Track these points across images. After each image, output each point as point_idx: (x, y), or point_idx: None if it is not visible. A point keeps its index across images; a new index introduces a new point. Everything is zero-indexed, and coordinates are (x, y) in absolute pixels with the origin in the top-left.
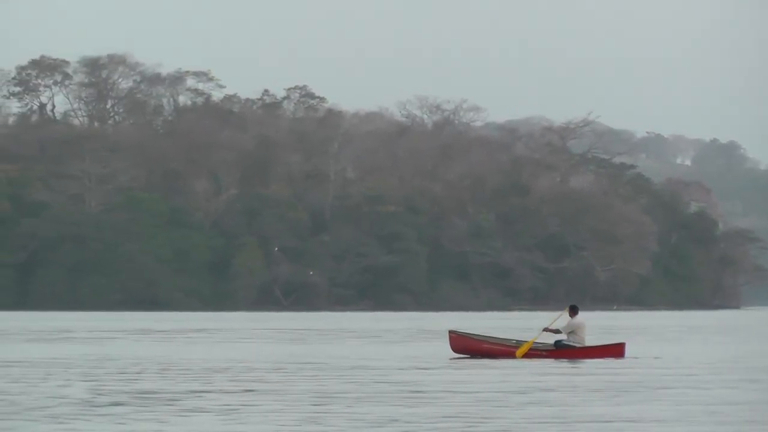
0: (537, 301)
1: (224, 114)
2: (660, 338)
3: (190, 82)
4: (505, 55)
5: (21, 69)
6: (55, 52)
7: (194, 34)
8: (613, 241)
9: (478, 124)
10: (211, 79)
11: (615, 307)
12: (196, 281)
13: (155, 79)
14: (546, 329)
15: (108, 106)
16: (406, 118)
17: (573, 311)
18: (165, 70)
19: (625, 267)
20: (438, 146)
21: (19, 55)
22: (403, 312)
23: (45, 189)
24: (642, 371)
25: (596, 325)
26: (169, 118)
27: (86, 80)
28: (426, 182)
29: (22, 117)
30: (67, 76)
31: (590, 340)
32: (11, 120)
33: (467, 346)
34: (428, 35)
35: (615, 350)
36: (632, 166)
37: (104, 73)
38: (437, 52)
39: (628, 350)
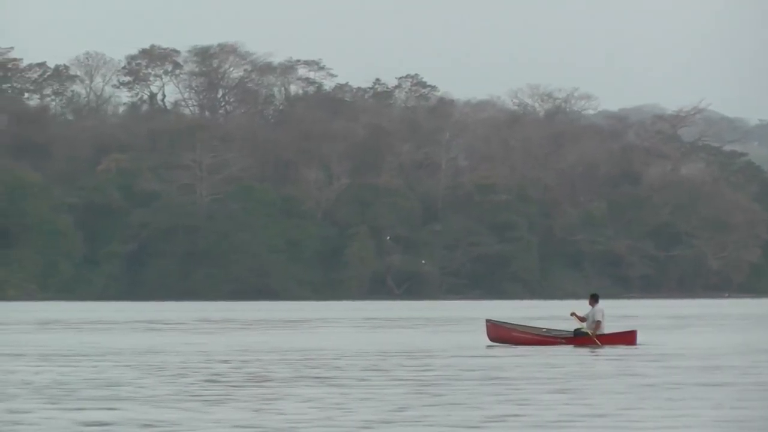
0: (648, 289)
1: (336, 103)
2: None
3: (302, 71)
4: (617, 42)
5: (131, 58)
6: (165, 42)
7: (305, 23)
8: (724, 229)
9: (590, 112)
10: (322, 68)
11: (726, 295)
12: (308, 271)
13: (266, 69)
14: (573, 314)
15: (219, 96)
16: (518, 106)
17: (594, 300)
18: (276, 59)
19: (736, 255)
20: (549, 135)
21: (128, 45)
22: (515, 300)
23: (156, 179)
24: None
25: (707, 314)
26: (281, 107)
27: (197, 70)
28: (537, 171)
29: (133, 107)
30: (177, 65)
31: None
32: (121, 110)
33: (502, 335)
34: (540, 23)
35: (627, 338)
36: (743, 154)
37: (215, 63)
38: (548, 40)
39: (639, 338)
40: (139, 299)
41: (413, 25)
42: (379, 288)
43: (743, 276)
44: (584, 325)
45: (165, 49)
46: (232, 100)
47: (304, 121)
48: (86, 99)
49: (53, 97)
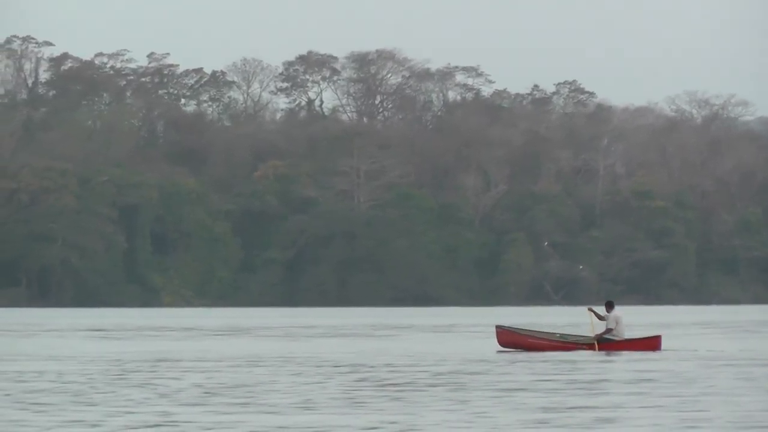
0: None
1: (494, 109)
2: None
3: (459, 77)
4: None
5: (288, 65)
6: (323, 48)
7: (463, 29)
8: None
9: (747, 118)
10: (480, 75)
11: None
12: (466, 277)
13: (424, 75)
14: (591, 309)
15: (377, 102)
16: (675, 112)
17: (609, 306)
18: (434, 65)
19: None
20: (706, 141)
21: (285, 51)
22: (673, 306)
23: (314, 185)
24: None
25: None
26: (439, 113)
27: (355, 76)
28: (694, 177)
29: (290, 113)
30: (335, 71)
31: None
32: (279, 116)
33: (513, 341)
34: (694, 30)
35: (651, 343)
36: None
37: (373, 69)
38: (704, 47)
39: (664, 343)
40: (295, 306)
41: (570, 30)
42: (537, 294)
43: None
44: (600, 329)
45: (323, 55)
46: (389, 106)
47: (462, 128)
48: (243, 105)
49: (210, 103)
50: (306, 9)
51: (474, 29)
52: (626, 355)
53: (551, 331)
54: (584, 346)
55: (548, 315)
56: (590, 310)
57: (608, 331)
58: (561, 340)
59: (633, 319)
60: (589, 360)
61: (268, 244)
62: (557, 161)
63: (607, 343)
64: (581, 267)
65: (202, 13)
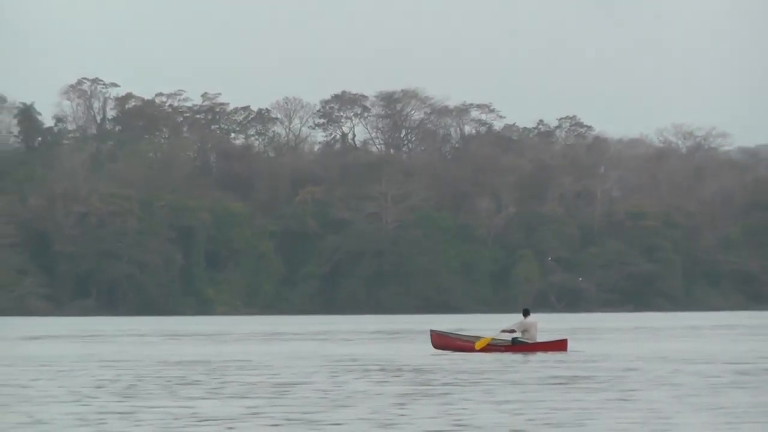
0: None
1: (504, 141)
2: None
3: (474, 113)
4: (750, 86)
5: (325, 103)
6: (354, 88)
7: (477, 71)
8: None
9: (727, 148)
10: (492, 111)
11: None
12: (481, 288)
13: (443, 111)
14: (503, 330)
15: (402, 135)
16: (663, 143)
17: (525, 313)
18: (452, 102)
19: None
20: (692, 168)
21: (322, 91)
22: (661, 313)
23: (346, 208)
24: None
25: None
26: (456, 145)
27: (383, 112)
28: (681, 200)
29: (326, 145)
30: (365, 108)
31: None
32: (316, 148)
33: (445, 343)
34: (681, 68)
35: (559, 345)
36: None
37: (398, 106)
38: (689, 84)
39: (570, 345)
40: (331, 314)
41: (571, 70)
42: (542, 302)
43: None
44: (517, 333)
45: (354, 94)
46: (413, 138)
47: (477, 157)
48: (285, 138)
49: (256, 136)
50: (340, 52)
51: (487, 69)
52: (537, 355)
53: (477, 335)
54: (501, 348)
55: (552, 321)
56: (503, 330)
57: (511, 331)
58: (492, 343)
59: (568, 324)
60: (493, 360)
61: (307, 260)
62: (560, 186)
63: (521, 345)
64: (581, 279)
65: (249, 57)
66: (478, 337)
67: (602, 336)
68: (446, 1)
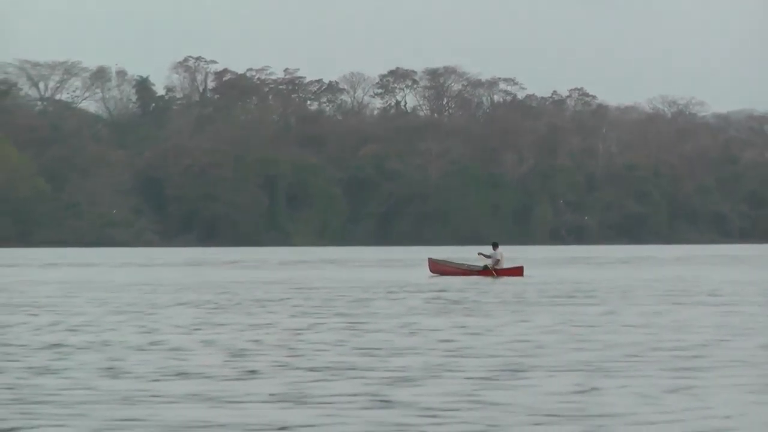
0: (744, 237)
1: (525, 108)
2: None
3: (502, 85)
4: (726, 55)
5: (382, 77)
6: (406, 64)
7: (505, 50)
8: None
9: (703, 114)
10: (516, 84)
11: None
12: (507, 225)
13: (477, 84)
14: (480, 253)
15: (443, 103)
16: (652, 110)
17: (495, 246)
18: (484, 77)
19: None
20: (675, 130)
21: (380, 66)
22: (651, 245)
23: (399, 161)
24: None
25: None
26: (487, 111)
27: (428, 84)
28: (667, 155)
29: (383, 110)
30: (415, 81)
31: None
32: (375, 112)
33: (438, 269)
34: (671, 42)
35: (516, 271)
36: None
37: (441, 80)
38: (677, 57)
39: (525, 272)
40: (386, 246)
41: (580, 53)
42: (555, 236)
43: None
44: (488, 262)
45: (406, 70)
46: (453, 106)
47: (503, 121)
48: (350, 105)
49: (327, 104)
50: (395, 34)
51: (513, 50)
52: (502, 279)
53: (462, 263)
54: (481, 272)
55: (561, 251)
56: (480, 254)
57: (496, 262)
58: (467, 268)
59: (524, 254)
60: (474, 282)
61: (367, 202)
62: (569, 144)
63: (488, 271)
64: (586, 218)
65: (322, 38)
66: (462, 265)
67: (572, 264)
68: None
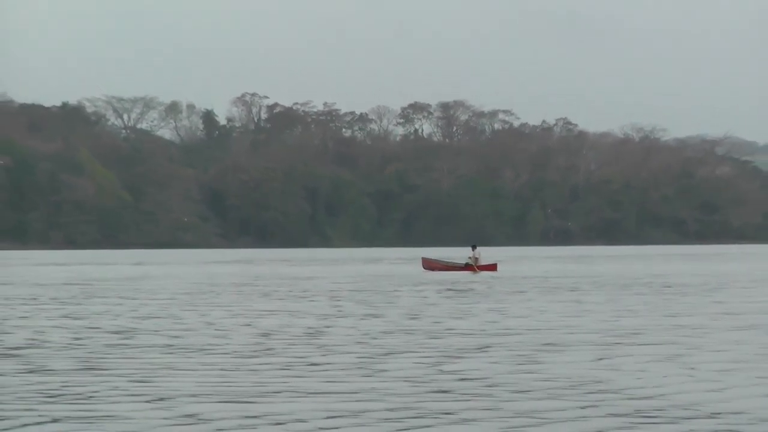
0: (700, 239)
1: (520, 134)
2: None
3: (501, 115)
4: (686, 85)
5: (403, 109)
6: (422, 98)
7: (502, 81)
8: (742, 205)
9: (665, 138)
10: (512, 114)
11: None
12: (506, 228)
13: (480, 114)
14: (470, 256)
15: (453, 130)
16: (623, 135)
17: (474, 247)
18: (486, 108)
19: (755, 214)
20: (641, 150)
21: (402, 100)
22: (622, 246)
23: (417, 177)
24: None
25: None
26: (489, 135)
27: (441, 115)
28: (636, 171)
29: (404, 136)
30: (430, 113)
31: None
32: (398, 138)
33: (430, 266)
34: (645, 73)
35: (492, 267)
36: (751, 162)
37: (451, 111)
38: (646, 87)
39: (499, 268)
40: (407, 246)
41: (564, 89)
42: (545, 238)
43: (753, 230)
44: (471, 260)
45: (423, 103)
46: (461, 132)
47: (503, 143)
48: (378, 132)
49: (359, 131)
50: (414, 73)
51: (511, 84)
52: (481, 274)
53: (449, 260)
54: (465, 269)
55: (550, 251)
56: (468, 259)
57: (476, 260)
58: (453, 265)
59: (519, 253)
60: (459, 276)
61: (392, 210)
62: (557, 162)
63: (470, 267)
64: (569, 223)
65: (355, 76)
66: (449, 262)
67: (543, 261)
68: (487, 37)
